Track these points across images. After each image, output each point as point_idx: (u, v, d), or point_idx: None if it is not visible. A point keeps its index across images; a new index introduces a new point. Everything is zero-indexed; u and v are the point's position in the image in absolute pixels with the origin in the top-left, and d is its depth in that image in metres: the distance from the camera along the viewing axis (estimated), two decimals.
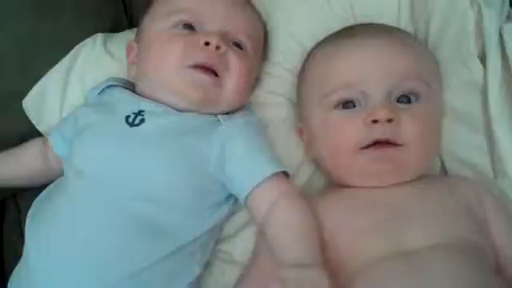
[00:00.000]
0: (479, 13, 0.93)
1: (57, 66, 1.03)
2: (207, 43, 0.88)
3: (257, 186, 0.85)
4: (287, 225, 0.82)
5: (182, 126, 0.88)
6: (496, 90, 0.90)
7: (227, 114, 0.93)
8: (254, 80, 1.00)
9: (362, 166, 0.86)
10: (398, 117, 0.84)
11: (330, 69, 0.91)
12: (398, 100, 0.87)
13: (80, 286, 0.79)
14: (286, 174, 0.88)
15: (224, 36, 0.91)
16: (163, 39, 0.91)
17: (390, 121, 0.83)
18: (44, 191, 0.91)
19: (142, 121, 0.88)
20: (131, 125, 0.88)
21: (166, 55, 0.90)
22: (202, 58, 0.89)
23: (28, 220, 0.87)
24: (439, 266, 0.74)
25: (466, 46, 0.94)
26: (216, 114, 0.91)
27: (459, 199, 0.85)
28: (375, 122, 0.84)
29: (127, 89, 0.97)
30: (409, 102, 0.87)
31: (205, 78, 0.89)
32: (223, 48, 0.89)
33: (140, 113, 0.89)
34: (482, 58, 0.93)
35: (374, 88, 0.86)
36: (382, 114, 0.83)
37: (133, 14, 1.18)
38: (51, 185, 0.92)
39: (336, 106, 0.89)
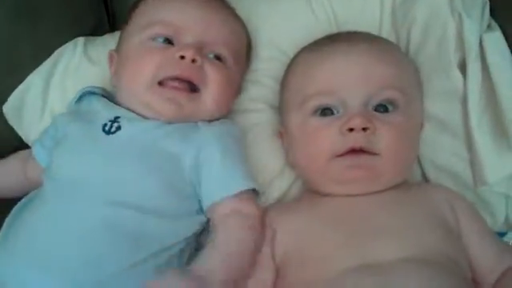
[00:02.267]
0: (460, 22, 0.93)
1: (36, 71, 1.02)
2: (182, 57, 0.88)
3: (220, 200, 0.85)
4: (223, 241, 0.82)
5: (158, 132, 0.88)
6: (476, 100, 0.90)
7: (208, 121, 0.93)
8: (236, 90, 0.99)
9: (337, 174, 0.86)
10: (373, 125, 0.84)
11: (309, 75, 0.92)
12: (376, 109, 0.87)
13: None
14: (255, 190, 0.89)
15: (201, 48, 0.90)
16: (139, 52, 0.91)
17: (365, 129, 0.83)
18: (22, 200, 0.91)
19: (118, 128, 0.88)
20: (108, 133, 0.88)
21: (140, 69, 0.90)
22: (176, 70, 0.88)
23: (4, 228, 0.87)
24: (411, 279, 0.73)
25: (447, 55, 0.94)
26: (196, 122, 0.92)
27: (433, 209, 0.85)
28: (351, 130, 0.84)
29: (104, 97, 0.97)
30: (386, 110, 0.87)
31: (178, 95, 0.89)
32: (199, 61, 0.89)
33: (116, 119, 0.89)
34: (463, 67, 0.93)
35: (351, 96, 0.86)
36: (357, 123, 0.83)
37: (115, 18, 1.17)
38: (30, 193, 0.91)
39: (314, 113, 0.89)
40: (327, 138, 0.86)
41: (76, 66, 1.03)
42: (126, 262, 0.80)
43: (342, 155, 0.85)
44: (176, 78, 0.89)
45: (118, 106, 0.93)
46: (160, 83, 0.89)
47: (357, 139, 0.84)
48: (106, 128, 0.88)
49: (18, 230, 0.84)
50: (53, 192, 0.86)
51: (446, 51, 0.94)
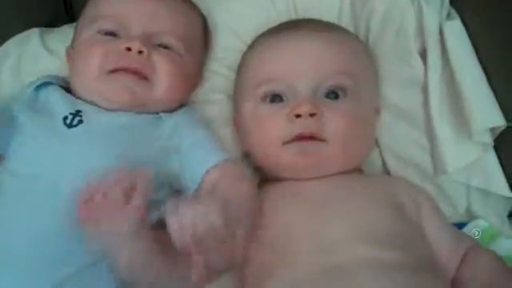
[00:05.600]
0: (419, 10, 0.93)
1: None
2: (129, 49, 0.87)
3: (207, 172, 0.84)
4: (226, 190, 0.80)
5: (120, 124, 0.87)
6: (436, 88, 0.90)
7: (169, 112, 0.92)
8: (192, 78, 0.98)
9: (286, 160, 0.85)
10: (320, 111, 0.83)
11: (261, 61, 0.91)
12: (327, 95, 0.86)
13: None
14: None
15: (148, 39, 0.89)
16: (86, 46, 0.90)
17: (312, 115, 0.83)
18: None
19: (80, 122, 0.86)
20: (69, 126, 0.86)
21: (87, 62, 0.89)
22: (122, 62, 0.87)
23: None
24: (373, 279, 0.72)
25: (407, 43, 0.93)
26: (157, 112, 0.90)
27: (389, 195, 0.84)
28: (298, 116, 0.83)
29: (63, 88, 0.95)
30: (336, 97, 0.86)
31: (129, 80, 0.87)
32: (146, 52, 0.87)
33: (78, 113, 0.87)
34: (424, 55, 0.92)
35: (300, 82, 0.86)
36: (304, 109, 0.82)
37: (73, 9, 1.15)
38: None
39: (264, 99, 0.88)
40: (276, 125, 0.85)
41: (32, 55, 1.01)
42: (89, 260, 0.77)
43: (290, 142, 0.84)
44: (123, 69, 0.87)
45: (77, 100, 0.91)
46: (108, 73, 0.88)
47: (306, 125, 0.83)
48: (67, 121, 0.86)
49: None
50: (11, 186, 0.83)
51: (405, 39, 0.94)
